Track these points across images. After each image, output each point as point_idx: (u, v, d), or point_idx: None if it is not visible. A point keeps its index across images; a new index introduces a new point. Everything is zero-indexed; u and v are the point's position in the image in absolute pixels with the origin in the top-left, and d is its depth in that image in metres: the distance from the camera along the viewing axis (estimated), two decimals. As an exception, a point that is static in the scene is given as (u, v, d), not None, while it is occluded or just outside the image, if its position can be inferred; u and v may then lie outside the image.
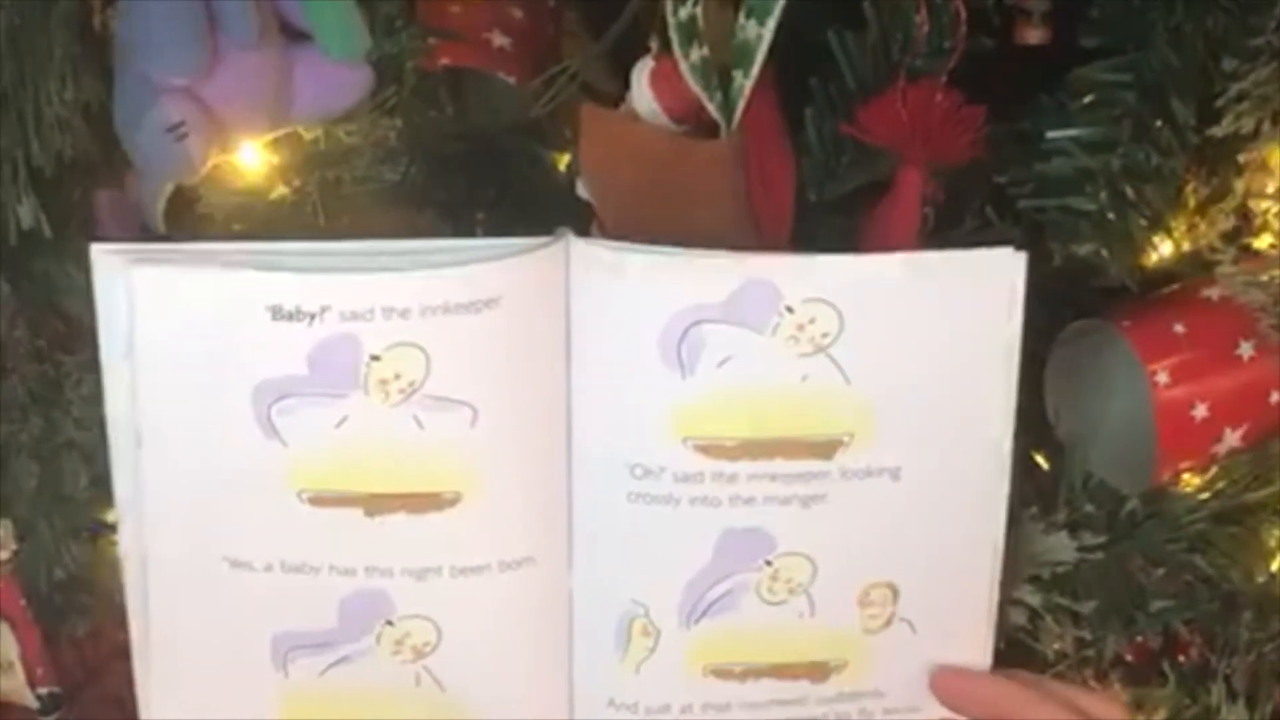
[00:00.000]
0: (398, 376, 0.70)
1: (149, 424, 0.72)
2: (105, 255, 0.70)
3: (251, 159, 0.86)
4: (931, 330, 0.73)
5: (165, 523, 0.73)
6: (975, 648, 0.79)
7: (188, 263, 0.70)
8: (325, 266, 0.69)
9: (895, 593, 0.77)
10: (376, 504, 0.72)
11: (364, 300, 0.68)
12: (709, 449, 0.73)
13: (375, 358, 0.69)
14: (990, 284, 0.73)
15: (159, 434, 0.72)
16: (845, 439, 0.74)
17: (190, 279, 0.70)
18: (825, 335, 0.72)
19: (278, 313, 0.68)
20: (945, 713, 0.79)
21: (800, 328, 0.72)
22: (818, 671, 0.78)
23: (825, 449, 0.74)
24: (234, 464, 0.72)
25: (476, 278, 0.69)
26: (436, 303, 0.69)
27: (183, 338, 0.70)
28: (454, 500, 0.72)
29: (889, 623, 0.77)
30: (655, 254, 0.72)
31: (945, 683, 0.79)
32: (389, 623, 0.74)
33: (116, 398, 0.72)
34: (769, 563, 0.75)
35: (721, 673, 0.77)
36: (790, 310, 0.71)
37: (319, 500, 0.72)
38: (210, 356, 0.70)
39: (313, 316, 0.68)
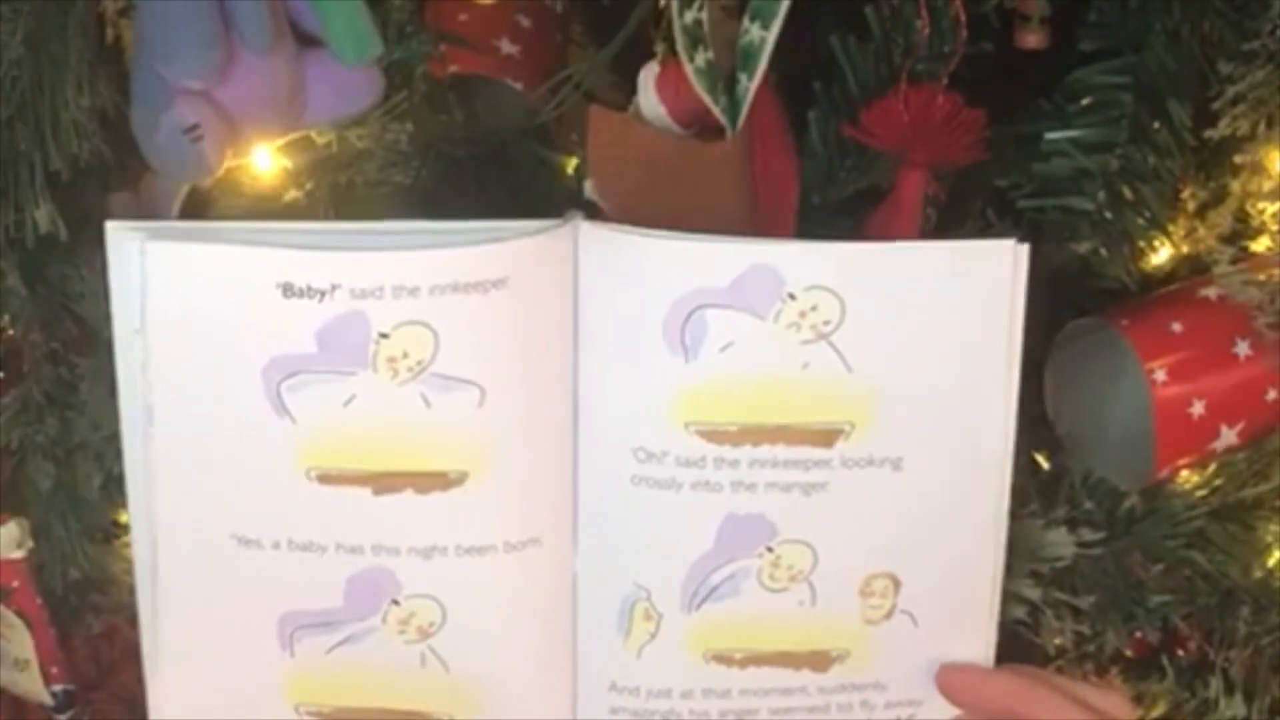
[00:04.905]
0: (406, 355, 0.70)
1: (160, 399, 0.72)
2: (119, 231, 0.70)
3: (265, 162, 0.87)
4: (934, 320, 0.73)
5: (174, 499, 0.73)
6: (977, 642, 0.79)
7: (200, 239, 0.70)
8: (336, 245, 0.69)
9: (896, 584, 0.77)
10: (384, 482, 0.72)
11: (373, 278, 0.69)
12: (711, 434, 0.73)
13: (384, 336, 0.70)
14: (993, 275, 0.73)
15: (169, 410, 0.72)
16: (846, 428, 0.74)
17: (203, 254, 0.70)
18: (827, 323, 0.72)
19: (289, 290, 0.69)
20: (948, 708, 0.79)
21: (802, 314, 0.72)
22: (819, 661, 0.78)
23: (826, 437, 0.74)
24: (243, 440, 0.72)
25: (485, 257, 0.70)
26: (445, 282, 0.69)
27: (194, 313, 0.70)
28: (460, 480, 0.72)
29: (890, 614, 0.77)
30: (662, 237, 0.72)
31: (951, 679, 0.78)
32: (395, 602, 0.74)
33: (128, 373, 0.72)
34: (770, 549, 0.75)
35: (723, 658, 0.77)
36: (793, 297, 0.72)
37: (327, 478, 0.72)
38: (221, 332, 0.70)
39: (323, 294, 0.69)
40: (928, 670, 0.79)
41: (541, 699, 0.78)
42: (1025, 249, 0.73)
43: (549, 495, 0.75)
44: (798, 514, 0.75)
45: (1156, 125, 0.86)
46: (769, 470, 0.74)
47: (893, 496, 0.75)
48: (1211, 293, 0.91)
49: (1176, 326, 0.89)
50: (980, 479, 0.76)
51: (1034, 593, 0.89)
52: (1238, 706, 0.95)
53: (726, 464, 0.74)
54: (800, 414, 0.74)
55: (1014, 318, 0.74)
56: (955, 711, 0.79)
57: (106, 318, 0.72)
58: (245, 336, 0.70)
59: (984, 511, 0.77)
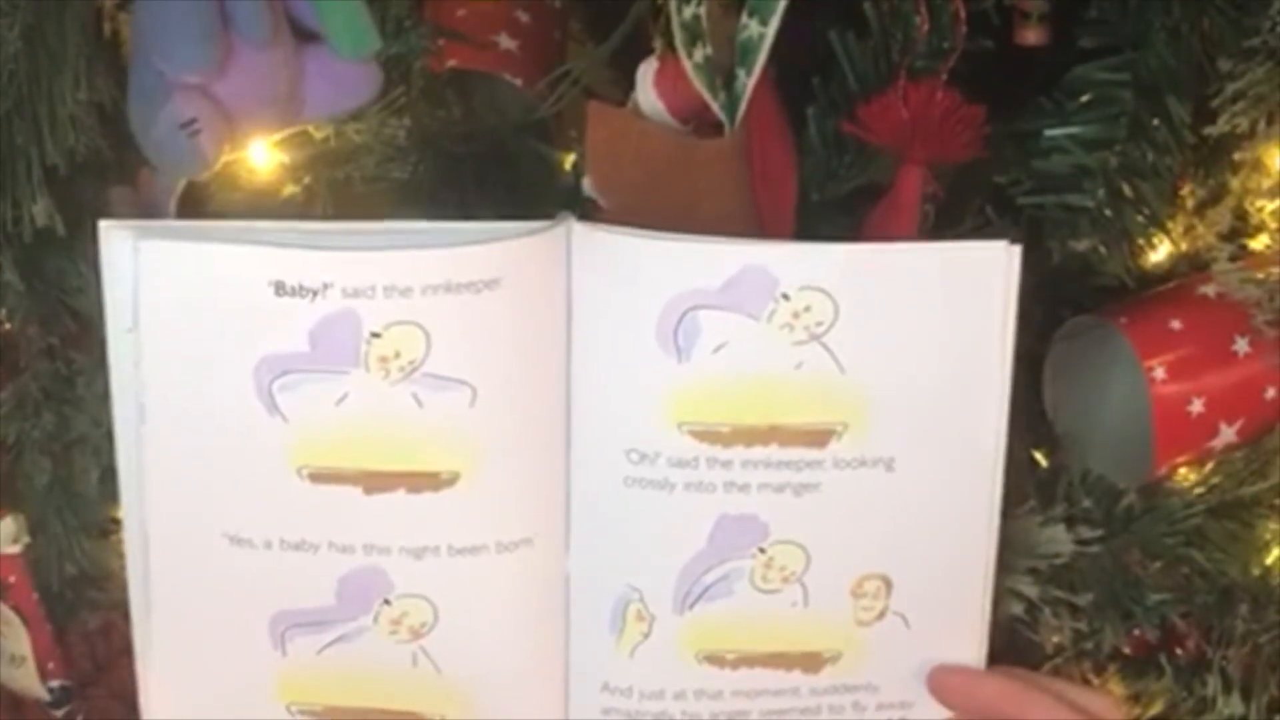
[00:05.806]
0: (398, 354, 0.70)
1: (152, 398, 0.72)
2: (112, 230, 0.70)
3: (262, 157, 0.86)
4: (926, 321, 0.73)
5: (166, 497, 0.73)
6: (969, 644, 0.78)
7: (193, 237, 0.70)
8: (328, 244, 0.69)
9: (888, 585, 0.77)
10: (375, 482, 0.72)
11: (366, 277, 0.69)
12: (704, 434, 0.73)
13: (376, 335, 0.70)
14: (985, 276, 0.73)
15: (161, 408, 0.72)
16: (839, 428, 0.74)
17: (195, 253, 0.70)
18: (820, 323, 0.72)
19: (281, 288, 0.69)
20: (940, 709, 0.79)
21: (795, 315, 0.72)
22: (811, 662, 0.78)
23: (819, 437, 0.74)
24: (235, 439, 0.72)
25: (478, 258, 0.70)
26: (437, 282, 0.69)
27: (187, 312, 0.70)
28: (452, 480, 0.72)
29: (882, 615, 0.77)
30: (654, 238, 0.72)
31: (943, 681, 0.78)
32: (386, 601, 0.74)
33: (121, 371, 0.72)
34: (763, 550, 0.75)
35: (715, 659, 0.77)
36: (786, 297, 0.72)
37: (318, 477, 0.72)
38: (213, 331, 0.70)
39: (315, 293, 0.69)
40: (919, 672, 0.79)
41: (533, 699, 0.78)
42: (1018, 250, 0.73)
43: (541, 496, 0.75)
44: (790, 515, 0.75)
45: (1156, 122, 0.86)
46: (762, 471, 0.74)
47: (885, 498, 0.75)
48: (1210, 290, 0.91)
49: (1175, 324, 0.89)
50: (973, 480, 0.76)
51: (1032, 590, 0.88)
52: (1235, 705, 0.95)
53: (719, 464, 0.74)
54: (793, 415, 0.74)
55: (1006, 319, 0.74)
56: (947, 713, 0.79)
57: (103, 313, 0.72)
58: (237, 335, 0.70)
59: (976, 513, 0.77)
